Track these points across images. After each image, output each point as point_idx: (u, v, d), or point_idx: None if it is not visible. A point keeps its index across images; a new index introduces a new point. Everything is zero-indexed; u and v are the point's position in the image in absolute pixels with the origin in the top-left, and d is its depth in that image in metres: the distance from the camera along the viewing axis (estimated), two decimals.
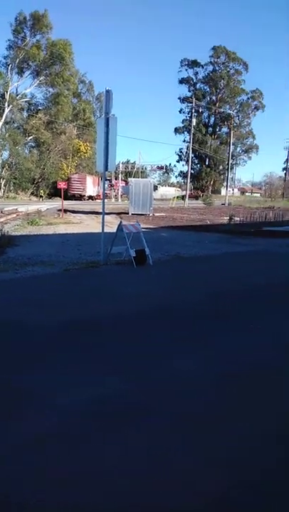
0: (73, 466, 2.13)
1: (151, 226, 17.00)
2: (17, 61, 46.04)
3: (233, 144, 54.70)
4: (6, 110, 45.44)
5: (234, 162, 66.15)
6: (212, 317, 4.94)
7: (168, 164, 71.13)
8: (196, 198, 54.21)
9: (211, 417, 2.63)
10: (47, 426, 2.50)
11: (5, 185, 46.54)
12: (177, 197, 49.03)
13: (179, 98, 67.30)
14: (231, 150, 52.60)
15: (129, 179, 34.22)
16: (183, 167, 68.29)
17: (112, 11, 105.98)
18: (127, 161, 67.35)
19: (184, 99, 66.14)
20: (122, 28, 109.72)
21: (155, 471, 2.13)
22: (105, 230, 8.87)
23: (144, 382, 3.13)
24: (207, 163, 67.27)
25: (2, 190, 45.84)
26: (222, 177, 67.15)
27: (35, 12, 45.11)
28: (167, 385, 3.09)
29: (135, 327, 4.52)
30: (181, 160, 68.37)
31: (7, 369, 3.33)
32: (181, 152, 67.16)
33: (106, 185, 33.74)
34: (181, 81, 67.34)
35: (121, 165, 55.40)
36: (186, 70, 66.89)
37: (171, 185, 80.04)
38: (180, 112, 68.07)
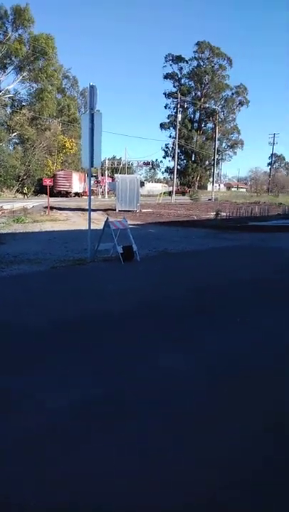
0: (65, 468, 2.14)
1: (139, 222, 17.00)
2: None
3: (218, 140, 55.01)
4: None
5: (220, 157, 66.60)
6: (199, 312, 5.00)
7: (154, 160, 71.19)
8: (183, 193, 54.36)
9: (202, 417, 2.64)
10: (34, 427, 2.49)
11: None
12: (164, 193, 49.04)
13: (164, 93, 67.32)
14: (217, 145, 52.90)
15: (115, 175, 34.07)
16: (169, 163, 68.50)
17: (94, 7, 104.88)
18: (113, 157, 66.97)
19: (169, 95, 66.19)
20: (105, 25, 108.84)
21: (147, 471, 2.14)
22: (92, 227, 8.84)
23: (132, 383, 3.12)
24: (193, 158, 67.48)
25: None
26: (208, 172, 67.48)
27: (16, 6, 44.38)
28: (156, 385, 3.10)
29: (124, 326, 4.54)
30: (168, 156, 68.51)
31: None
32: (167, 148, 67.26)
33: (92, 182, 33.57)
34: (166, 76, 67.28)
35: (107, 161, 55.11)
36: (171, 65, 66.85)
37: (158, 181, 79.97)
38: (165, 107, 68.13)
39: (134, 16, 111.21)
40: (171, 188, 48.12)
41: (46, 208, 21.66)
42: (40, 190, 46.33)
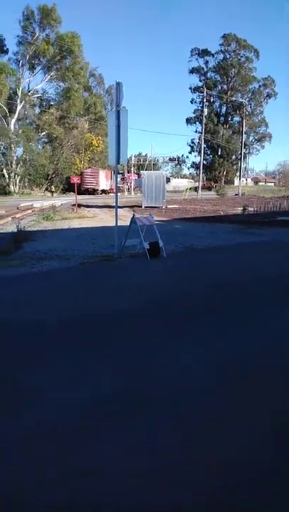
0: (75, 466, 2.17)
1: (165, 218, 17.05)
2: (27, 57, 46.30)
3: (245, 133, 53.92)
4: (19, 107, 45.89)
5: (247, 151, 65.34)
6: (223, 308, 5.03)
7: (180, 156, 70.76)
8: (209, 189, 53.79)
9: (211, 416, 2.63)
10: (47, 425, 2.53)
11: (20, 182, 47.19)
12: (190, 188, 48.77)
13: (190, 88, 66.67)
14: (244, 139, 51.86)
15: (141, 172, 34.19)
16: (195, 158, 67.87)
17: (120, 4, 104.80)
18: (139, 154, 67.28)
19: (194, 89, 65.53)
20: (131, 21, 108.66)
21: (156, 470, 2.15)
22: (119, 224, 8.99)
23: (146, 381, 3.13)
24: (219, 153, 66.56)
25: (17, 187, 46.49)
26: (235, 167, 66.37)
27: (43, 6, 45.02)
28: (169, 383, 3.10)
29: (149, 321, 4.64)
30: (193, 151, 67.91)
31: (20, 365, 3.45)
32: (193, 143, 66.68)
33: (118, 179, 33.84)
34: (192, 71, 66.58)
35: (133, 158, 55.35)
36: (197, 59, 66.10)
37: (184, 176, 79.61)
38: (191, 102, 67.54)
39: (159, 12, 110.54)
40: (197, 184, 47.75)
41: (74, 205, 22.09)
42: (68, 188, 47.22)
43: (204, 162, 58.15)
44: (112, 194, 37.38)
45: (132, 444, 2.35)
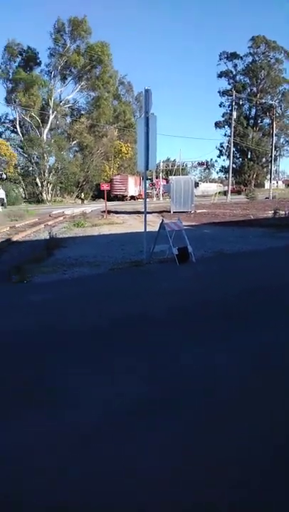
0: (113, 463, 2.24)
1: (194, 223, 16.97)
2: (59, 68, 47.69)
3: (276, 135, 52.87)
4: (51, 117, 47.32)
5: (278, 154, 63.93)
6: (254, 314, 4.95)
7: (209, 160, 70.33)
8: (239, 192, 53.02)
9: (241, 416, 2.66)
10: (88, 423, 2.62)
11: (52, 190, 48.55)
12: (219, 192, 48.28)
13: (219, 92, 66.00)
14: (274, 141, 50.82)
15: (169, 177, 34.23)
16: (224, 162, 67.26)
17: (147, 9, 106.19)
18: (167, 159, 67.31)
19: (223, 93, 64.82)
20: (157, 26, 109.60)
21: (191, 469, 2.19)
22: (148, 229, 9.05)
23: (174, 382, 3.20)
24: (249, 156, 65.47)
25: (50, 195, 47.86)
26: (265, 170, 65.02)
27: (73, 18, 46.15)
28: (198, 384, 3.15)
29: (179, 324, 4.65)
30: (222, 155, 67.19)
31: (59, 366, 3.57)
32: (222, 147, 65.99)
33: (147, 185, 34.01)
34: (220, 75, 65.97)
35: (162, 163, 55.54)
36: (225, 63, 65.43)
37: (213, 181, 78.84)
38: (220, 105, 66.77)
39: (186, 16, 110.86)
40: (226, 188, 47.19)
41: (104, 212, 22.43)
42: (97, 194, 48.02)
43: (233, 165, 57.29)
44: (141, 200, 37.63)
45: (167, 444, 2.39)
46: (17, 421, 2.69)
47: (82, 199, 48.27)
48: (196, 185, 42.72)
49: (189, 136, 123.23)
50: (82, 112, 52.34)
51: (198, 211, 23.96)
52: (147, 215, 9.74)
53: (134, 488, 2.05)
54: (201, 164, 61.44)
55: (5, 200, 33.38)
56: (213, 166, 74.19)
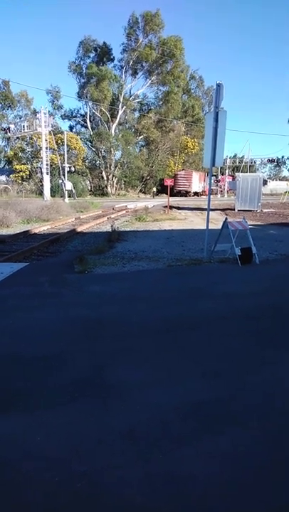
0: (164, 466, 2.20)
1: (259, 223, 16.26)
2: (130, 63, 48.28)
3: None
4: (120, 112, 48.19)
5: None
6: None
7: (280, 157, 66.97)
8: None
9: None
10: (139, 423, 2.58)
11: (117, 184, 49.64)
12: None
13: None
14: None
15: (236, 174, 33.17)
16: None
17: (222, 3, 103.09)
18: (234, 156, 65.26)
19: None
20: (231, 20, 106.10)
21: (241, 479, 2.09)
22: (210, 227, 8.80)
23: (237, 387, 3.05)
24: None
25: (114, 188, 49.01)
26: None
27: (146, 12, 46.19)
28: (258, 391, 2.96)
29: (236, 328, 4.41)
30: None
31: (109, 362, 3.55)
32: None
33: (212, 181, 33.29)
34: None
35: (228, 160, 54.01)
36: None
37: (283, 178, 75.03)
38: None
39: (260, 14, 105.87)
40: None
41: (166, 207, 22.37)
42: (161, 190, 48.12)
43: None
44: (205, 196, 36.99)
45: (222, 452, 2.26)
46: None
47: (145, 193, 48.71)
48: (265, 183, 40.91)
49: (260, 131, 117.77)
50: (151, 107, 52.54)
51: (265, 210, 22.93)
52: (210, 212, 9.47)
53: None
54: (271, 161, 58.84)
55: (73, 191, 34.89)
56: (284, 163, 70.64)
